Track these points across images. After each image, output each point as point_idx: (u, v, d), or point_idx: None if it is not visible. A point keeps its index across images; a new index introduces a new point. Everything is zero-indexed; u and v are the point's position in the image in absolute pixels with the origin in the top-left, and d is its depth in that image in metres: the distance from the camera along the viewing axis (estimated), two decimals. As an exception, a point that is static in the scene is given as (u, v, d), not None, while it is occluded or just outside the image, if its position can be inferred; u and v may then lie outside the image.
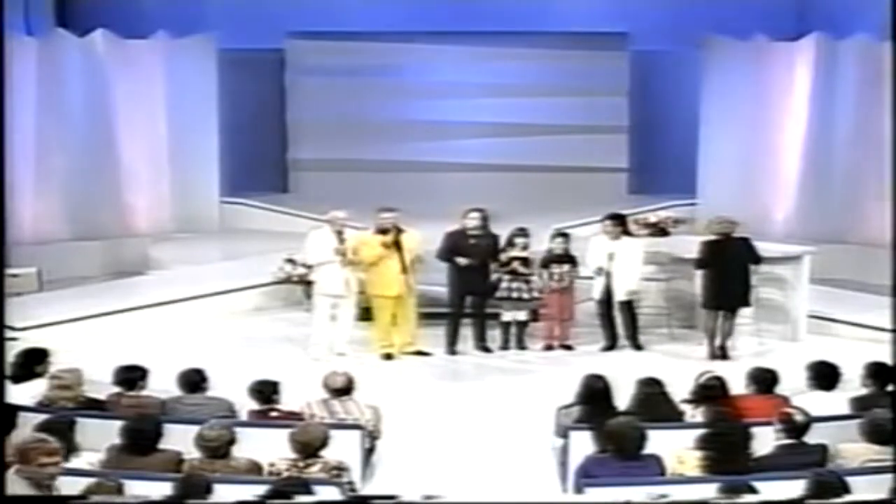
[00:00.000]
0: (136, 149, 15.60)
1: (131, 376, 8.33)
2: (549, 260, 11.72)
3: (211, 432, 6.91)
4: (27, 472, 6.03)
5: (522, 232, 11.72)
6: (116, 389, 8.30)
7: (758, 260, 11.33)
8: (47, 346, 8.88)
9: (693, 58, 15.85)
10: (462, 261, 11.45)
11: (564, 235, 11.93)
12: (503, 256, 11.59)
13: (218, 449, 6.86)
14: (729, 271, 11.21)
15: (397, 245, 11.29)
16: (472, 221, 11.54)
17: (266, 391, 8.11)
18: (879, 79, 13.49)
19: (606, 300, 11.60)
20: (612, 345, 11.72)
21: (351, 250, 11.31)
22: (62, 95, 14.93)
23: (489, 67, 17.22)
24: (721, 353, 11.25)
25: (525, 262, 11.62)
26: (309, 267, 11.87)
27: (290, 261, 12.55)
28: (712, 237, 11.32)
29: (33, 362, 8.44)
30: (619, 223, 11.72)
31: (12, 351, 8.44)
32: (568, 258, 11.73)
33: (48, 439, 6.27)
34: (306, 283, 12.25)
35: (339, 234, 11.33)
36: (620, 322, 11.68)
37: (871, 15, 13.58)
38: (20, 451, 6.12)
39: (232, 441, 6.93)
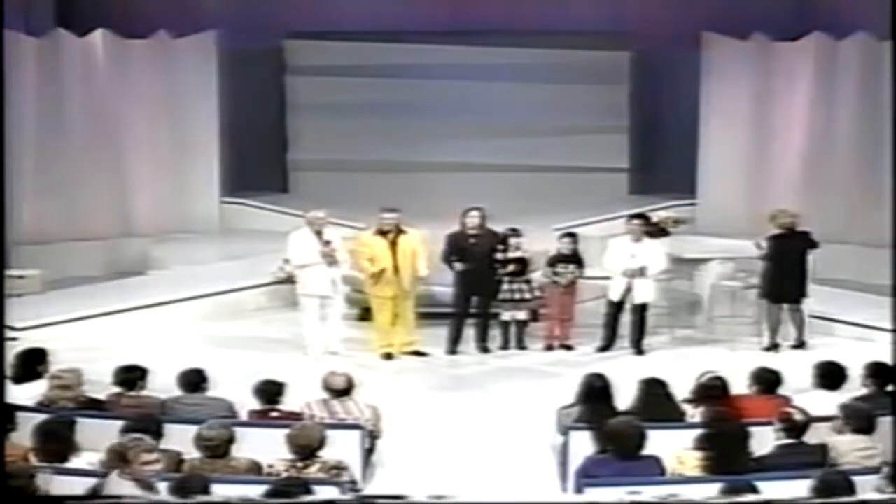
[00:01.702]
0: (136, 149, 15.57)
1: (131, 376, 8.32)
2: (556, 259, 11.72)
3: (210, 432, 6.91)
4: (131, 473, 6.12)
5: (515, 232, 11.70)
6: (116, 389, 8.29)
7: (815, 245, 11.60)
8: (47, 346, 8.88)
9: (693, 57, 15.82)
10: (459, 265, 11.45)
11: (572, 235, 11.93)
12: (500, 256, 11.57)
13: (217, 448, 6.86)
14: (794, 264, 11.45)
15: (394, 246, 11.31)
16: (473, 220, 11.53)
17: (270, 391, 8.10)
18: (879, 79, 13.48)
19: (621, 302, 11.56)
20: (608, 346, 11.70)
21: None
22: (62, 95, 14.91)
23: (489, 67, 17.18)
24: (800, 344, 11.46)
25: (522, 262, 11.62)
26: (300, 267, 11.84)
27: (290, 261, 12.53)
28: (779, 231, 11.40)
29: (34, 362, 8.44)
30: (645, 223, 11.70)
31: (12, 351, 8.46)
32: (575, 258, 11.73)
33: (143, 438, 6.45)
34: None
35: (319, 234, 11.33)
36: (629, 324, 11.65)
37: (871, 14, 13.57)
38: (118, 453, 6.25)
39: (231, 441, 6.93)
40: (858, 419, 7.22)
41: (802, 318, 11.57)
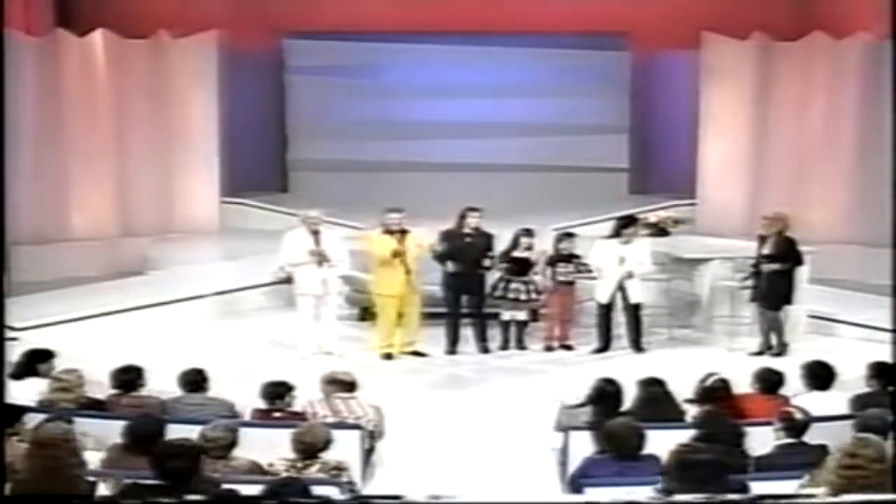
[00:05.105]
0: (135, 149, 15.58)
1: (128, 377, 8.31)
2: (557, 259, 11.73)
3: (214, 433, 6.88)
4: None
5: (528, 233, 11.75)
6: (115, 391, 8.28)
7: None
8: (48, 346, 8.88)
9: (693, 58, 15.83)
10: (451, 265, 11.49)
11: (571, 235, 11.96)
12: (492, 254, 11.59)
13: (220, 449, 6.83)
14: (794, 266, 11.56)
15: (399, 245, 11.34)
16: (473, 221, 11.57)
17: (277, 392, 8.08)
18: (879, 78, 13.48)
19: (610, 303, 11.58)
20: (604, 347, 11.70)
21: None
22: (61, 95, 14.91)
23: (489, 67, 17.19)
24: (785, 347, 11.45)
25: (526, 263, 11.63)
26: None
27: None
28: (782, 232, 11.44)
29: (36, 361, 8.45)
30: (634, 226, 11.74)
31: (16, 350, 8.47)
32: (575, 258, 11.75)
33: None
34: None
35: (316, 233, 11.34)
36: (624, 324, 11.66)
37: (871, 14, 13.57)
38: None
39: (234, 444, 6.90)
40: (875, 431, 7.11)
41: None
